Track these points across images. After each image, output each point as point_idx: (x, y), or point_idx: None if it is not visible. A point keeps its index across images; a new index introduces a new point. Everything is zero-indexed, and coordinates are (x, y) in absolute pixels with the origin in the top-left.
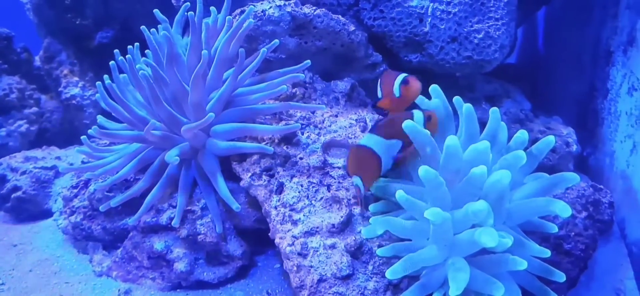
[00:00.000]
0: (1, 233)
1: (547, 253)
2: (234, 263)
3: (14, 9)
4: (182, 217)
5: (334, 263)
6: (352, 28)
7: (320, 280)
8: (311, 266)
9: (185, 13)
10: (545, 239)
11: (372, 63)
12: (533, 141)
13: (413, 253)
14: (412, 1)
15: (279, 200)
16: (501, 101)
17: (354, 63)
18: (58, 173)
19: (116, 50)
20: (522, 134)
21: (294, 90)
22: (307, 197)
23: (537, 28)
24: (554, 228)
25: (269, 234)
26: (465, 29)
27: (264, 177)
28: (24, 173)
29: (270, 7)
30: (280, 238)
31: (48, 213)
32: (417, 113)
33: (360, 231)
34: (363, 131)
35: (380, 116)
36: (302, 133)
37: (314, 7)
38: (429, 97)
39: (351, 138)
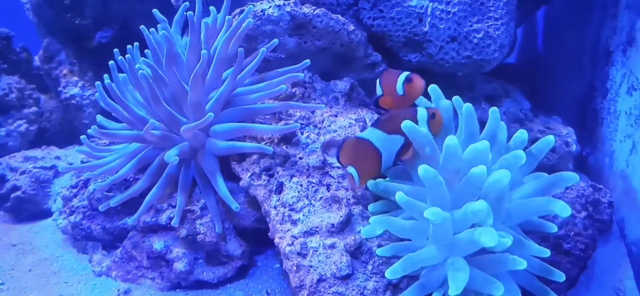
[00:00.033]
0: (0, 233)
1: (547, 252)
2: (233, 263)
3: (14, 8)
4: (181, 217)
5: (334, 262)
6: (351, 28)
7: (319, 280)
8: (311, 266)
9: (184, 13)
10: (545, 239)
11: (372, 63)
12: (532, 141)
13: (412, 253)
14: (412, 1)
15: (278, 200)
16: (501, 101)
17: (354, 63)
18: (57, 173)
19: (116, 50)
20: (521, 134)
21: (293, 90)
22: (307, 197)
23: (537, 28)
24: (553, 228)
25: (269, 234)
26: (465, 29)
27: (264, 177)
28: (23, 173)
29: (270, 7)
30: (280, 237)
31: (47, 213)
32: (421, 111)
33: (359, 231)
34: (362, 131)
35: (381, 116)
36: (302, 133)
37: (314, 7)
38: (428, 97)
39: None
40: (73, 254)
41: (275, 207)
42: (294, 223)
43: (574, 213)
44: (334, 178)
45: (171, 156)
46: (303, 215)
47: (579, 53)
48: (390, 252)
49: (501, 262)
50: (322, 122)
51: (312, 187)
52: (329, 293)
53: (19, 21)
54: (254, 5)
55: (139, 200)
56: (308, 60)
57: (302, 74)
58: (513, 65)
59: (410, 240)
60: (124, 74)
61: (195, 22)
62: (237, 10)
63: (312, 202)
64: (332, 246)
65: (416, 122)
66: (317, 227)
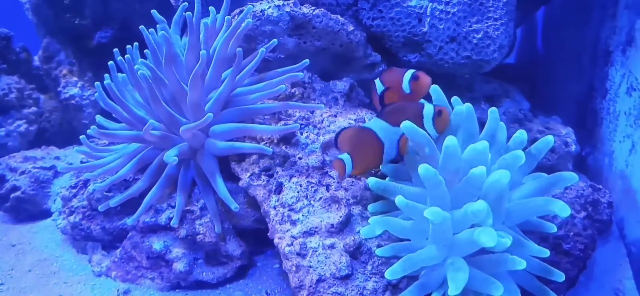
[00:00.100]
0: (0, 233)
1: (546, 253)
2: (233, 263)
3: (13, 8)
4: (181, 217)
5: (333, 263)
6: (351, 28)
7: (319, 280)
8: (310, 267)
9: (183, 13)
10: (544, 239)
11: (371, 63)
12: (532, 141)
13: (412, 253)
14: (411, 1)
15: (278, 200)
16: (500, 101)
17: (353, 63)
18: (57, 173)
19: (115, 50)
20: (521, 134)
21: (292, 90)
22: (306, 197)
23: (536, 28)
24: (552, 228)
25: (268, 234)
26: (464, 29)
27: (263, 177)
28: (23, 173)
29: (269, 7)
30: (279, 238)
31: (47, 213)
32: (427, 106)
33: (359, 232)
34: None
35: (385, 107)
36: (301, 133)
37: (313, 7)
38: (429, 98)
39: None
40: (73, 254)
41: (274, 207)
42: (294, 223)
43: (574, 213)
44: (334, 179)
45: (170, 156)
46: (302, 216)
47: (578, 53)
48: (389, 252)
49: (501, 262)
50: (322, 122)
51: (312, 187)
52: (328, 294)
53: (18, 21)
54: (253, 6)
55: (139, 201)
56: (307, 60)
57: (302, 74)
58: (512, 65)
59: (409, 240)
60: (124, 74)
61: (193, 22)
62: (237, 11)
63: (312, 202)
64: (332, 246)
65: (422, 117)
66: (316, 227)
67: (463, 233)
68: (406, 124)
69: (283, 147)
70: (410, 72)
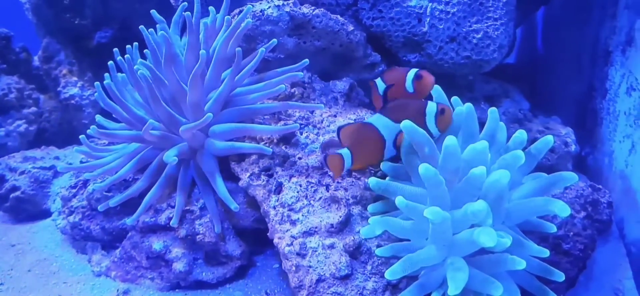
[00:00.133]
0: (0, 233)
1: (546, 253)
2: (232, 263)
3: (13, 8)
4: (180, 217)
5: (333, 263)
6: (350, 28)
7: (318, 280)
8: (310, 266)
9: (183, 13)
10: (544, 239)
11: (371, 63)
12: (532, 141)
13: (412, 253)
14: (411, 1)
15: (277, 200)
16: (500, 101)
17: (353, 63)
18: (57, 173)
19: (115, 50)
20: (520, 134)
21: (292, 90)
22: (306, 197)
23: (536, 28)
24: (552, 228)
25: (268, 234)
26: (464, 29)
27: (263, 177)
28: (22, 173)
29: (269, 7)
30: (279, 238)
31: (47, 213)
32: (430, 104)
33: (358, 231)
34: None
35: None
36: (301, 133)
37: (313, 7)
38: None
39: None
40: (72, 254)
41: (274, 207)
42: (293, 223)
43: (573, 213)
44: (333, 178)
45: (170, 156)
46: (302, 215)
47: (578, 53)
48: (389, 252)
49: (500, 262)
50: (322, 122)
51: (311, 187)
52: (328, 293)
53: (18, 21)
54: (253, 6)
55: (138, 200)
56: (307, 60)
57: (301, 74)
58: (512, 65)
59: (409, 240)
60: (124, 74)
61: (193, 22)
62: (236, 11)
63: (311, 202)
64: (331, 246)
65: (424, 114)
66: (316, 227)
67: (463, 233)
68: (406, 123)
69: (283, 147)
70: (413, 71)
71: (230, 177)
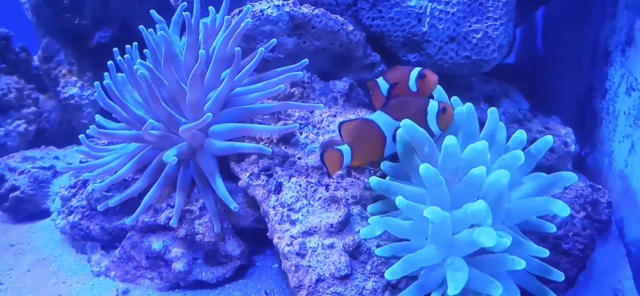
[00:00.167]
0: None
1: (546, 252)
2: (232, 263)
3: (13, 8)
4: (180, 217)
5: (332, 263)
6: (350, 28)
7: (318, 280)
8: (309, 266)
9: (182, 13)
10: (544, 239)
11: (371, 63)
12: (531, 141)
13: (412, 253)
14: (411, 1)
15: (277, 200)
16: (500, 101)
17: (353, 63)
18: (56, 173)
19: (115, 50)
20: (520, 134)
21: (292, 90)
22: (306, 197)
23: (536, 28)
24: (552, 228)
25: (268, 234)
26: (464, 29)
27: (262, 177)
28: (22, 173)
29: (269, 7)
30: (279, 238)
31: (46, 213)
32: (432, 103)
33: (358, 231)
34: None
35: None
36: (301, 133)
37: (313, 7)
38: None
39: None
40: (72, 254)
41: (274, 207)
42: (293, 223)
43: (573, 213)
44: (333, 178)
45: (170, 156)
46: (302, 215)
47: (578, 53)
48: (389, 252)
49: (500, 262)
50: (321, 122)
51: (311, 187)
52: (327, 293)
53: (18, 21)
54: (252, 5)
55: (138, 200)
56: (306, 60)
57: (301, 74)
58: (512, 65)
59: (409, 240)
60: (123, 74)
61: (192, 22)
62: (236, 10)
63: (311, 202)
64: (331, 246)
65: (426, 113)
66: (315, 227)
67: (462, 233)
68: (406, 123)
69: (282, 147)
70: (417, 70)
71: (230, 177)
